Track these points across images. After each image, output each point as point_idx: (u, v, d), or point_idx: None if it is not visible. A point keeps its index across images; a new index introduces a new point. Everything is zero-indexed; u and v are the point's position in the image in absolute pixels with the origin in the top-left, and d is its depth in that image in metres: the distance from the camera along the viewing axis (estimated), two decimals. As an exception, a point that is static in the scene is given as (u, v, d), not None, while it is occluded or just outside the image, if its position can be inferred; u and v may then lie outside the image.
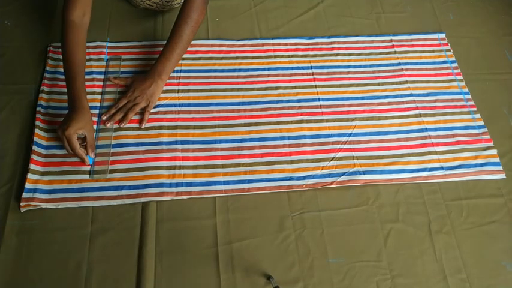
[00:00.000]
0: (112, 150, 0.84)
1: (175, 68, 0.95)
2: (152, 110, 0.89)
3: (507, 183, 0.88)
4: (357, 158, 0.87)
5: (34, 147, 0.81)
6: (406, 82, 0.99)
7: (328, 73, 0.99)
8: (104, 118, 0.86)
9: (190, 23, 0.88)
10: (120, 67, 0.95)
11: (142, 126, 0.86)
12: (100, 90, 0.91)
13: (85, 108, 0.79)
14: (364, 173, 0.86)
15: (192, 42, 0.99)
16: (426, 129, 0.93)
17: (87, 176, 0.81)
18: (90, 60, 0.94)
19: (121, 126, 0.86)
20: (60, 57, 0.93)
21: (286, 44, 1.03)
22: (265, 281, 0.74)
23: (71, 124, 0.76)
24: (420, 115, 0.95)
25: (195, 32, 0.90)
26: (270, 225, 0.80)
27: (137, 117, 0.88)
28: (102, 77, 0.93)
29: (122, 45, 0.98)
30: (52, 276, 0.72)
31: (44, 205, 0.77)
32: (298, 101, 0.94)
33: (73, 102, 0.79)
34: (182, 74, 0.95)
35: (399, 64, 1.02)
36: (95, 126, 0.85)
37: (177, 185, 0.81)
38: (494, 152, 0.90)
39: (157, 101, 0.89)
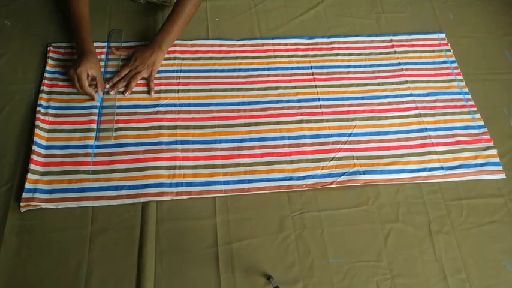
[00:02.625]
0: (112, 150, 0.84)
1: (175, 68, 0.95)
2: (152, 110, 0.89)
3: (507, 183, 0.88)
4: (357, 158, 0.87)
5: (34, 147, 0.81)
6: (406, 82, 0.99)
7: (328, 73, 0.99)
8: (108, 86, 0.89)
9: (192, 0, 0.91)
10: (122, 34, 0.99)
11: (152, 95, 0.90)
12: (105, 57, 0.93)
13: (92, 51, 0.87)
14: (364, 173, 0.86)
15: (192, 42, 0.99)
16: (426, 129, 0.93)
17: (87, 176, 0.80)
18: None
19: (125, 95, 0.89)
20: (61, 57, 0.94)
21: (286, 44, 1.03)
22: (265, 281, 0.74)
23: (81, 63, 0.83)
24: (420, 115, 0.95)
25: (197, 7, 0.94)
26: (270, 225, 0.80)
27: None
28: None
29: (122, 45, 0.98)
30: (52, 277, 0.72)
31: (44, 205, 0.77)
32: (298, 101, 0.94)
33: (81, 47, 0.86)
34: (182, 74, 0.95)
35: (399, 64, 1.02)
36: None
37: (177, 185, 0.81)
38: (494, 152, 0.90)
39: (157, 69, 0.92)
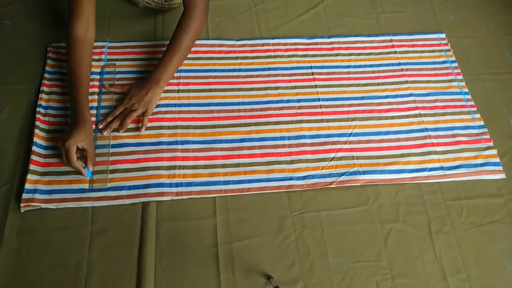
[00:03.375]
0: (112, 150, 0.84)
1: (175, 68, 0.95)
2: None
3: (507, 183, 0.88)
4: (357, 158, 0.87)
5: (34, 148, 0.81)
6: (406, 82, 0.99)
7: (328, 73, 0.99)
8: (101, 127, 0.85)
9: (189, 32, 0.87)
10: (115, 67, 0.94)
11: (142, 131, 0.86)
12: (99, 90, 0.91)
13: (87, 121, 0.80)
14: (364, 173, 0.86)
15: (192, 42, 0.99)
16: (426, 129, 0.93)
17: (87, 177, 0.80)
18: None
19: (119, 133, 0.85)
20: (60, 57, 0.94)
21: (286, 44, 1.03)
22: (265, 281, 0.74)
23: (72, 136, 0.76)
24: (420, 115, 0.95)
25: (194, 41, 0.90)
26: (270, 225, 0.80)
27: (133, 127, 0.87)
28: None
29: (121, 45, 0.98)
30: (52, 276, 0.72)
31: (44, 205, 0.77)
32: (298, 101, 0.94)
33: (75, 115, 0.80)
34: (182, 74, 0.95)
35: (399, 64, 1.02)
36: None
37: (177, 185, 0.81)
38: (494, 152, 0.90)
39: (154, 107, 0.88)
